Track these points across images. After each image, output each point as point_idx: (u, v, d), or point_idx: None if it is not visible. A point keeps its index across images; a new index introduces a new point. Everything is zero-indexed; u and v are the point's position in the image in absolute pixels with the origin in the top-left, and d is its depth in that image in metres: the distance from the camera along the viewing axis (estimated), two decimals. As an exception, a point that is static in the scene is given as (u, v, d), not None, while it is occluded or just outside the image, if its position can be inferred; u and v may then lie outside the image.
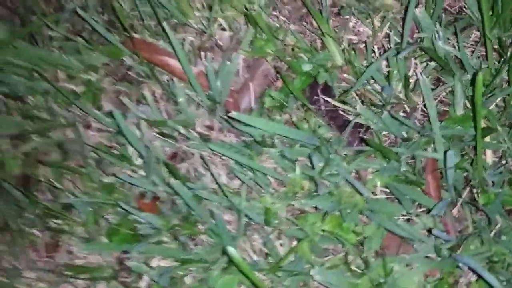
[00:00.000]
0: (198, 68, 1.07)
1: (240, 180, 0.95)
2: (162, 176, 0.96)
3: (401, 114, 0.97)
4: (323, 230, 0.91)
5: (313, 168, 0.88)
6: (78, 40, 1.12)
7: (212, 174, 0.91)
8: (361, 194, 0.90)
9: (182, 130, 1.00)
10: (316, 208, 0.95)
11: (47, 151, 1.11)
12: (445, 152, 0.80)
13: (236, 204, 0.90)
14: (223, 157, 0.98)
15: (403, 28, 0.93)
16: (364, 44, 1.00)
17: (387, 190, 0.94)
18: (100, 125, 1.10)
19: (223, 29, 1.10)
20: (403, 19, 0.96)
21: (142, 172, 1.01)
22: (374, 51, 0.96)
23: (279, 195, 0.95)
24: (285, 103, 0.99)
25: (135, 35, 1.10)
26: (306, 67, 0.96)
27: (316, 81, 1.03)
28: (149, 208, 0.95)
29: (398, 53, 0.89)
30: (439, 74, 0.95)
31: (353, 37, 1.03)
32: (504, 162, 0.88)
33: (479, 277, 0.84)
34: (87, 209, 0.98)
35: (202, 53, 1.06)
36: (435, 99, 0.95)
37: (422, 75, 0.84)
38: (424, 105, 0.96)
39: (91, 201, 0.94)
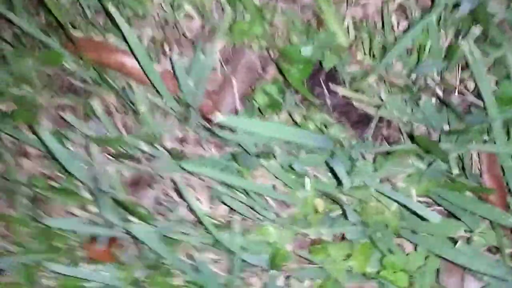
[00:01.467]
0: (163, 67, 0.82)
1: (229, 206, 0.69)
2: (119, 212, 0.69)
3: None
4: (351, 267, 0.66)
5: (336, 179, 0.63)
6: (3, 47, 0.87)
7: (187, 202, 0.64)
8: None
9: (145, 147, 0.74)
10: (334, 234, 0.69)
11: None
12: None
13: (225, 243, 0.63)
14: (204, 178, 0.72)
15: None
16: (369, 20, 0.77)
17: (427, 200, 0.70)
18: (40, 151, 0.83)
19: (191, 17, 0.87)
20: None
21: (95, 208, 0.74)
22: (391, 23, 0.73)
23: (284, 222, 0.69)
24: (280, 100, 0.74)
25: (77, 34, 0.85)
26: (306, 51, 0.72)
27: (318, 69, 0.79)
28: (103, 256, 0.68)
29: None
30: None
31: (358, 11, 0.81)
32: None
33: None
34: (19, 267, 0.70)
35: (167, 48, 0.81)
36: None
37: (469, 41, 0.61)
38: (465, 87, 0.73)
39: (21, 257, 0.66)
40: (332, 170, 0.59)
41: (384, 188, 0.60)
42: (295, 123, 0.72)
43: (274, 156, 0.66)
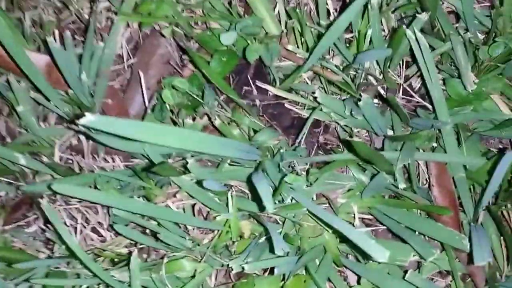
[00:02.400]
0: (48, 58, 0.65)
1: (129, 239, 0.55)
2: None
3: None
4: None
5: (256, 200, 0.51)
6: None
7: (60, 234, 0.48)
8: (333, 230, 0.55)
9: (23, 160, 0.57)
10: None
11: None
12: (502, 152, 0.46)
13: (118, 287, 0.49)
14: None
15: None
16: (305, 6, 0.66)
17: (369, 217, 0.60)
18: None
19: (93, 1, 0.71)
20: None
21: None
22: (327, 7, 0.62)
23: (202, 252, 0.55)
24: (199, 99, 0.61)
25: None
26: (227, 39, 0.58)
27: (245, 64, 0.67)
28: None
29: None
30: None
31: (291, -4, 0.69)
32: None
33: None
34: None
35: (56, 32, 0.65)
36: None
37: (414, 30, 0.51)
38: (409, 86, 0.64)
39: None
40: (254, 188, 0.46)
41: (318, 209, 0.49)
42: (216, 128, 0.59)
43: (186, 170, 0.52)
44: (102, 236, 0.63)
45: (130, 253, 0.55)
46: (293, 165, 0.56)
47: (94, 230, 0.63)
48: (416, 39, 0.52)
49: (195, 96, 0.61)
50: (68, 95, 0.59)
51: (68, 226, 0.62)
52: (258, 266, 0.49)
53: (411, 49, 0.54)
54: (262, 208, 0.45)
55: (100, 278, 0.49)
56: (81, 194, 0.42)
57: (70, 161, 0.63)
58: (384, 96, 0.61)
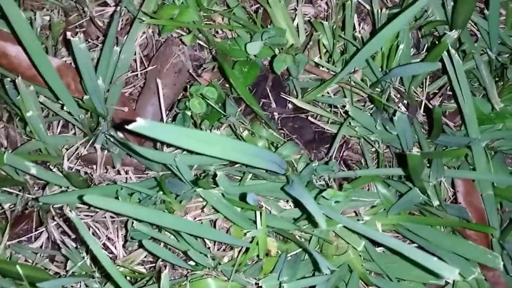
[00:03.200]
0: (62, 60, 0.62)
1: (152, 254, 0.51)
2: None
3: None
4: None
5: (285, 215, 0.49)
6: None
7: (92, 248, 0.44)
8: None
9: (33, 170, 0.53)
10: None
11: None
12: None
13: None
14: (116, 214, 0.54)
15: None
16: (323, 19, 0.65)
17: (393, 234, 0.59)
18: None
19: (104, 4, 0.68)
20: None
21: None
22: (353, 24, 0.61)
23: (225, 271, 0.52)
24: (220, 110, 0.58)
25: None
26: (253, 48, 0.57)
27: (263, 75, 0.65)
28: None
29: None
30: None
31: (310, 10, 0.68)
32: None
33: None
34: None
35: (69, 34, 0.62)
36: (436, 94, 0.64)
37: (449, 46, 0.51)
38: (430, 100, 0.64)
39: None
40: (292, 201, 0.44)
41: (359, 226, 0.47)
42: (239, 138, 0.56)
43: (215, 183, 0.50)
44: (112, 253, 0.59)
45: (148, 270, 0.52)
46: (326, 181, 0.54)
47: (104, 246, 0.59)
48: (449, 56, 0.52)
49: (215, 107, 0.58)
50: (83, 101, 0.56)
51: (77, 242, 0.57)
52: (299, 286, 0.47)
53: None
54: (297, 219, 0.42)
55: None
56: (115, 207, 0.39)
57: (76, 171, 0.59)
58: (409, 114, 0.61)
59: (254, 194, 0.47)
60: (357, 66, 0.58)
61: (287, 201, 0.57)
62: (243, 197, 0.49)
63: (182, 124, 0.59)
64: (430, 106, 0.63)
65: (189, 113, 0.57)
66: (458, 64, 0.52)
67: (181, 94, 0.67)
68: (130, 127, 0.32)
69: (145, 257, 0.57)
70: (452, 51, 0.52)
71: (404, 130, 0.53)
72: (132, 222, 0.47)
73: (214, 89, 0.55)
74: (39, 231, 0.59)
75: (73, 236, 0.58)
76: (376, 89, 0.60)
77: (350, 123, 0.57)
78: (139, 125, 0.32)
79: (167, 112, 0.64)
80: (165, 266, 0.51)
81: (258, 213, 0.50)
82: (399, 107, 0.62)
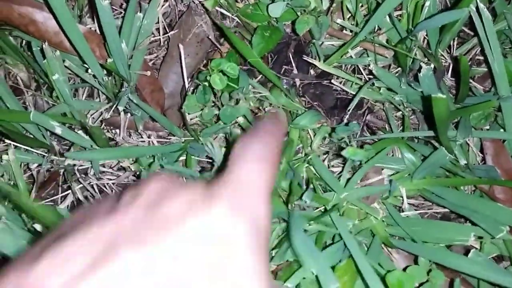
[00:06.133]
0: (87, 27, 0.63)
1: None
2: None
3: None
4: None
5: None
6: None
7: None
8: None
9: (58, 129, 0.54)
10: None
11: None
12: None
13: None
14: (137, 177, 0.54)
15: None
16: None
17: (413, 202, 0.58)
18: None
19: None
20: None
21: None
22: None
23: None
24: (232, 85, 0.58)
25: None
26: (275, 10, 0.56)
27: (285, 41, 0.64)
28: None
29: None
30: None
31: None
32: None
33: None
34: None
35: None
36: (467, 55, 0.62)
37: (477, 1, 0.49)
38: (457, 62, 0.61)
39: None
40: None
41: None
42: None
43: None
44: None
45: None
46: (346, 141, 0.53)
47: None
48: (478, 11, 0.51)
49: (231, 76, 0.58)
50: (107, 63, 0.56)
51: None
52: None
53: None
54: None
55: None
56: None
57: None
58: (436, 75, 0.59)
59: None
60: (380, 25, 0.56)
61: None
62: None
63: (203, 96, 0.58)
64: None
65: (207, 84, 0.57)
66: (487, 19, 0.50)
67: (203, 62, 0.67)
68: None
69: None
70: (481, 5, 0.50)
71: (429, 87, 0.51)
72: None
73: (236, 65, 0.54)
74: (64, 194, 0.60)
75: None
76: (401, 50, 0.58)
77: (373, 83, 0.56)
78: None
79: (190, 80, 0.64)
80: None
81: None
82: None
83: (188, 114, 0.59)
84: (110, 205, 0.23)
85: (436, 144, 0.54)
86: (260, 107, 0.57)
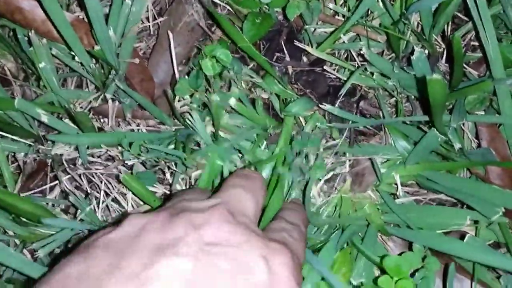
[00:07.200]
0: (75, 15, 0.62)
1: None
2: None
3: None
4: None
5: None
6: None
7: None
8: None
9: (45, 118, 0.53)
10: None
11: None
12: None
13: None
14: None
15: None
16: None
17: (408, 189, 0.57)
18: None
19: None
20: None
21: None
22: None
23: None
24: (226, 66, 0.57)
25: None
26: (266, -5, 0.55)
27: (277, 28, 0.63)
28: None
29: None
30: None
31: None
32: None
33: None
34: None
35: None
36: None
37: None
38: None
39: None
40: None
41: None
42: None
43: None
44: (124, 208, 0.58)
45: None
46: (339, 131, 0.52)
47: (114, 200, 0.59)
48: (470, -8, 0.49)
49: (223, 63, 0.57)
50: (94, 51, 0.55)
51: (88, 194, 0.57)
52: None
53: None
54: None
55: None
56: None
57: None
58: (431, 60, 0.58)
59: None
60: (373, 9, 0.55)
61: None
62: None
63: (195, 81, 0.58)
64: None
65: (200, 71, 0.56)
66: (482, 2, 0.49)
67: (195, 51, 0.66)
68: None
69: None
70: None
71: (423, 70, 0.50)
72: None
73: (228, 52, 0.53)
74: (52, 184, 0.59)
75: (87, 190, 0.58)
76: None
77: (366, 68, 0.55)
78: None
79: (180, 68, 0.63)
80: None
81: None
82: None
83: (178, 101, 0.58)
84: None
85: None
86: (253, 89, 0.55)
